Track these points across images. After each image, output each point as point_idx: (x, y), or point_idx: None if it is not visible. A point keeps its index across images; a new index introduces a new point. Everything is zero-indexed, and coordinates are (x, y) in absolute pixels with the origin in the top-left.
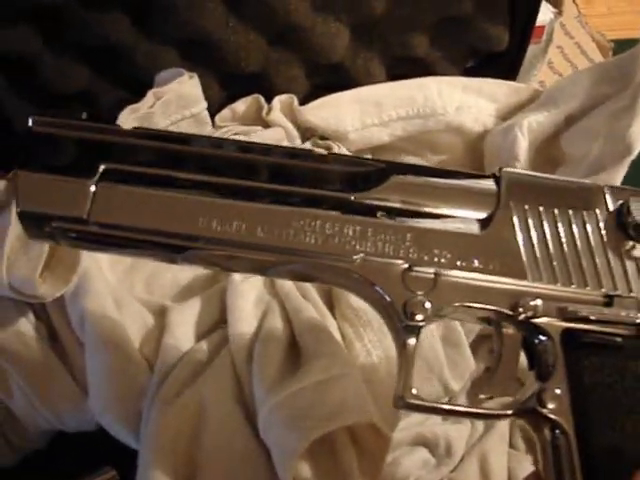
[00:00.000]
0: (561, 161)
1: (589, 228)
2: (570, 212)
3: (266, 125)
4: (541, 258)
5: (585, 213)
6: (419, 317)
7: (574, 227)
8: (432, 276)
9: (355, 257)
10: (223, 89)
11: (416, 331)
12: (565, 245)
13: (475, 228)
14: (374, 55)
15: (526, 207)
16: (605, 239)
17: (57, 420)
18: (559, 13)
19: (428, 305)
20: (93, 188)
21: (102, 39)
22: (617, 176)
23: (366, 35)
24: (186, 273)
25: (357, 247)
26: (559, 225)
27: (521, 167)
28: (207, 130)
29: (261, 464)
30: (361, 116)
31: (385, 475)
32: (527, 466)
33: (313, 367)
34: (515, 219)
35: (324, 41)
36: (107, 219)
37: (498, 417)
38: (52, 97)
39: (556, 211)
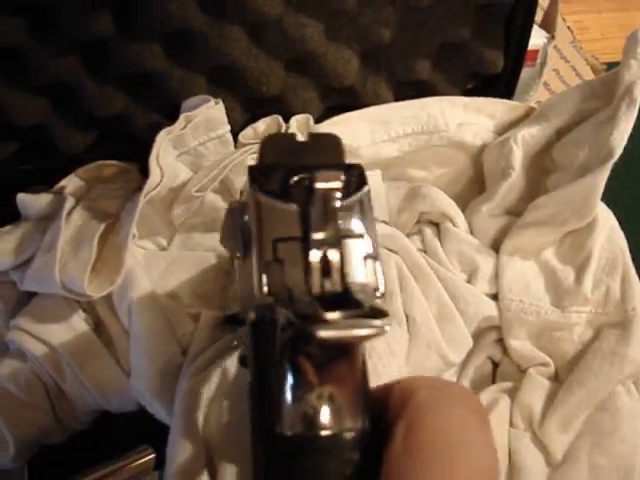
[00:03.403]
0: (552, 169)
1: None
2: None
3: None
4: None
5: None
6: None
7: None
8: None
9: None
10: (245, 111)
11: None
12: None
13: None
14: (382, 79)
15: None
16: None
17: (103, 400)
18: (552, 37)
19: None
20: None
21: (139, 67)
22: (602, 177)
23: (374, 61)
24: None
25: None
26: None
27: (516, 175)
28: (230, 149)
29: None
30: (371, 133)
31: None
32: (527, 443)
33: None
34: None
35: (336, 67)
36: None
37: None
38: (92, 120)
39: None
